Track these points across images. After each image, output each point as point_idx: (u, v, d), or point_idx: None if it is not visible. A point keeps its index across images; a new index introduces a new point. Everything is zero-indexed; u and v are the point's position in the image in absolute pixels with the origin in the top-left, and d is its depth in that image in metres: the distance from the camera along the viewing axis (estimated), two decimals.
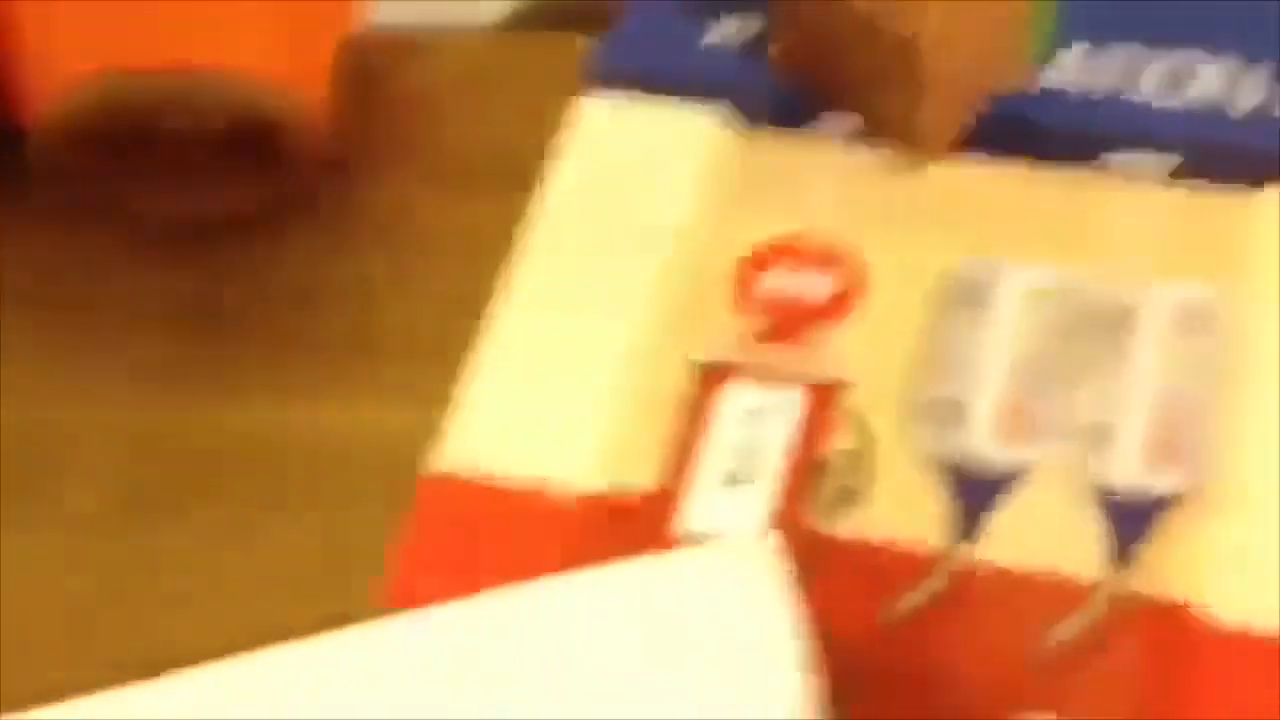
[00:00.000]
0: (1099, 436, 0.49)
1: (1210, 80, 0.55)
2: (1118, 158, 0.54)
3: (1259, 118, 0.54)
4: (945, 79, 0.53)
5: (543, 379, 0.53)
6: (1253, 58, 0.56)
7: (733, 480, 0.50)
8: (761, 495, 0.49)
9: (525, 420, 0.52)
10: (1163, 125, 0.54)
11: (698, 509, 0.49)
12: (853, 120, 0.56)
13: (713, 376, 0.52)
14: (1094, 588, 0.46)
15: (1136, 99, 0.55)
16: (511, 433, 0.52)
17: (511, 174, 0.57)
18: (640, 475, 0.50)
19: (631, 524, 0.49)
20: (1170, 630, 0.45)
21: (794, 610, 0.44)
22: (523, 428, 0.52)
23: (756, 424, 0.51)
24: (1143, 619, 0.46)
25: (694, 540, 0.48)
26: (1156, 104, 0.55)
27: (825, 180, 0.55)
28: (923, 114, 0.54)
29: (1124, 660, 0.45)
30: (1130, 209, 0.53)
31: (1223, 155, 0.53)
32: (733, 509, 0.49)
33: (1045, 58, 0.57)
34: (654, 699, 0.42)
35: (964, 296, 0.52)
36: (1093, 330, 0.51)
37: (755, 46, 0.58)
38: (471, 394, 0.53)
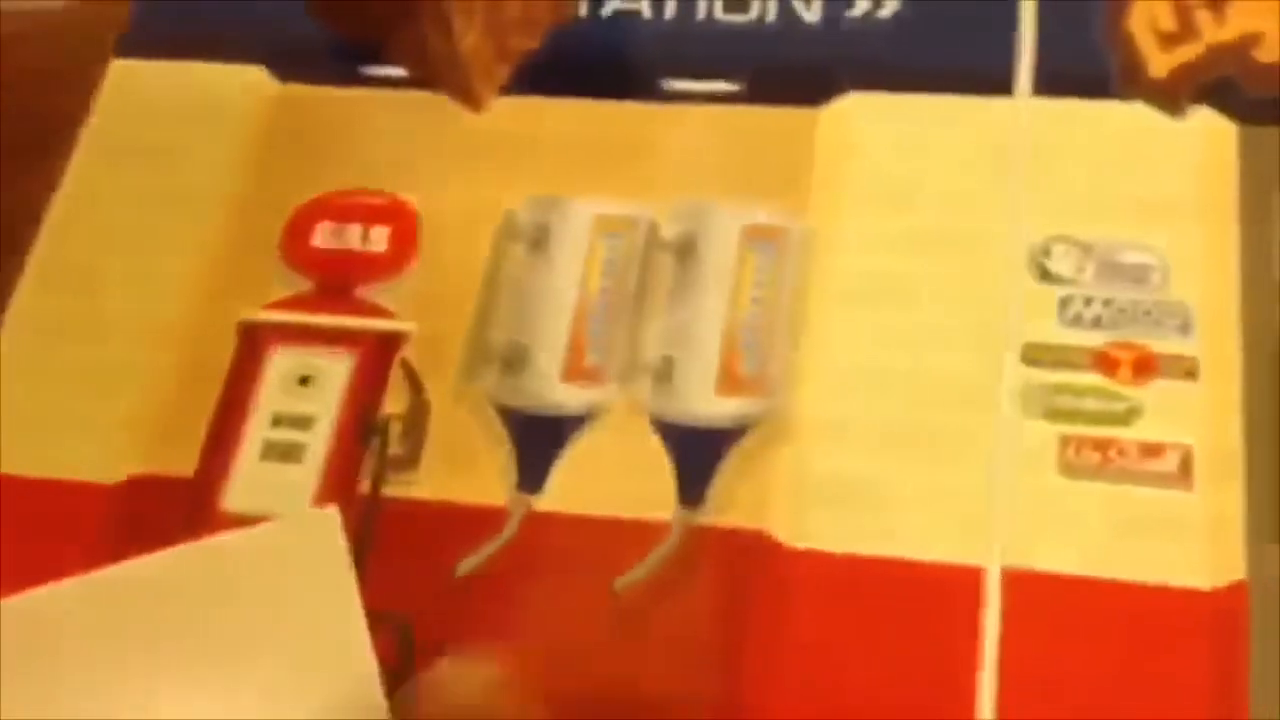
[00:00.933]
0: (665, 372, 0.46)
1: None
2: (680, 84, 0.52)
3: (820, 32, 0.53)
4: (480, 15, 0.50)
5: (72, 364, 0.48)
6: None
7: (278, 453, 0.46)
8: (312, 467, 0.46)
9: (54, 409, 0.47)
10: (724, 47, 0.52)
11: (244, 486, 0.45)
12: (400, 66, 0.53)
13: (259, 344, 0.48)
14: (668, 525, 0.44)
15: (698, 20, 0.53)
16: (39, 423, 0.47)
17: (43, 145, 0.53)
18: (183, 454, 0.46)
19: (175, 507, 0.45)
20: (743, 557, 0.43)
21: (353, 583, 0.42)
22: (52, 417, 0.47)
23: (305, 389, 0.47)
24: (716, 549, 0.43)
25: (241, 519, 0.44)
26: (717, 25, 0.53)
27: (375, 131, 0.52)
28: (463, 53, 0.51)
29: (702, 591, 0.43)
30: (692, 136, 0.51)
31: (786, 73, 0.52)
32: (282, 483, 0.45)
33: None
34: (224, 683, 0.41)
35: (526, 238, 0.49)
36: (658, 263, 0.48)
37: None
38: None
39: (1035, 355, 0.45)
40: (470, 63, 0.50)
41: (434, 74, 0.51)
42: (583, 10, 0.53)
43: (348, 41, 0.53)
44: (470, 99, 0.51)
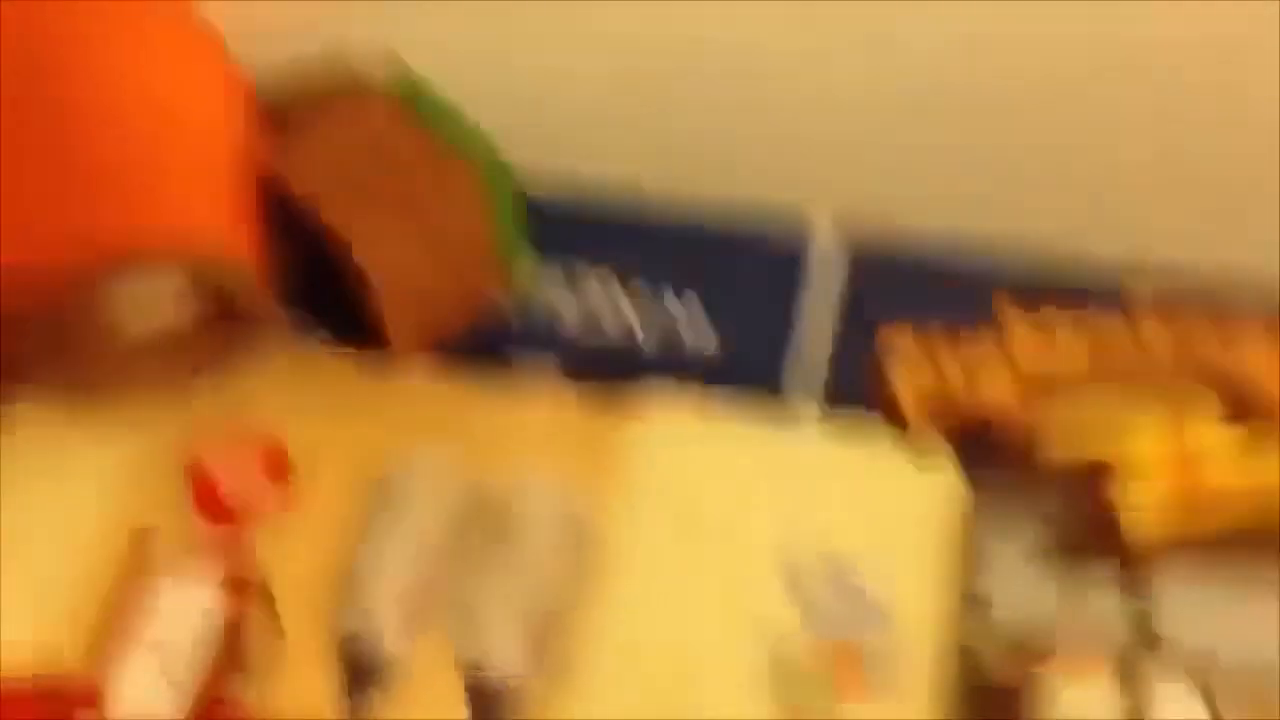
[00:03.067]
0: (480, 630, 0.56)
1: (602, 293, 0.64)
2: (524, 363, 0.63)
3: (642, 337, 0.63)
4: (400, 292, 0.59)
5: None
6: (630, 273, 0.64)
7: (158, 669, 0.55)
8: (184, 682, 0.55)
9: None
10: (561, 333, 0.63)
11: (125, 695, 0.55)
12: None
13: (145, 570, 0.57)
14: None
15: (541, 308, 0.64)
16: None
17: None
18: (68, 661, 0.55)
19: (58, 711, 0.54)
20: None
21: None
22: None
23: (182, 617, 0.56)
24: None
25: None
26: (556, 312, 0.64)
27: (277, 383, 0.62)
28: (386, 323, 0.60)
29: None
30: (527, 415, 0.61)
31: (607, 365, 0.62)
32: (157, 695, 0.54)
33: (517, 277, 0.64)
34: None
35: (382, 497, 0.59)
36: (484, 523, 0.59)
37: None
38: None
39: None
40: (395, 337, 0.60)
41: (359, 331, 0.61)
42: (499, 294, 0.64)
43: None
44: (390, 359, 0.62)
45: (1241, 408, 0.58)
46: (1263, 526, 0.56)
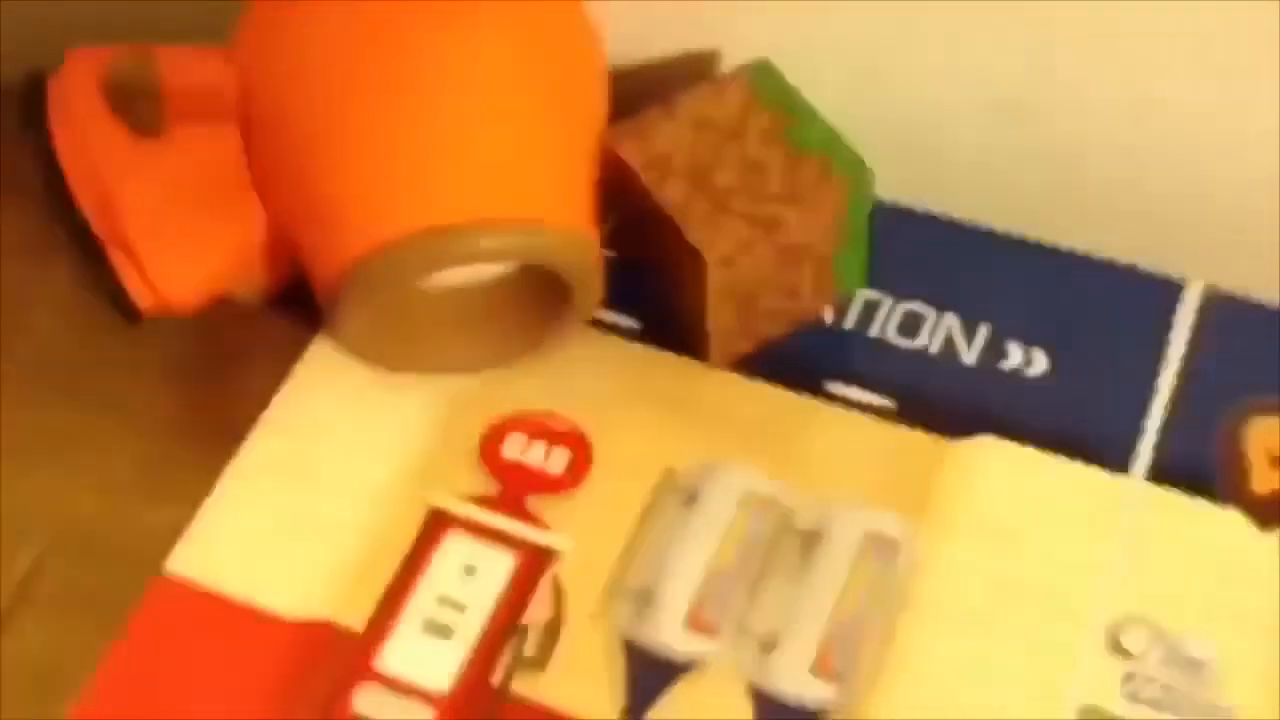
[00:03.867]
0: (770, 642, 0.54)
1: (939, 331, 0.61)
2: (841, 388, 0.59)
3: (975, 373, 0.60)
4: (732, 295, 0.58)
5: (285, 504, 0.57)
6: (977, 316, 0.62)
7: (435, 629, 0.54)
8: (458, 648, 0.54)
9: (260, 541, 0.56)
10: (888, 366, 0.60)
11: (398, 651, 0.54)
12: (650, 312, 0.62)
13: (438, 528, 0.56)
14: None
15: (870, 336, 0.61)
16: (246, 551, 0.56)
17: None
18: (356, 610, 0.54)
19: (337, 656, 0.53)
20: None
21: None
22: (256, 548, 0.56)
23: (469, 578, 0.55)
24: None
25: (388, 680, 0.53)
26: (885, 344, 0.61)
27: (585, 367, 0.60)
28: (709, 322, 0.59)
29: None
30: (842, 438, 0.58)
31: (934, 402, 0.59)
32: (429, 656, 0.53)
33: (848, 298, 0.62)
34: None
35: (680, 494, 0.57)
36: (787, 543, 0.56)
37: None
38: (218, 504, 0.57)
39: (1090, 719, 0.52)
40: (715, 337, 0.59)
41: (683, 331, 0.60)
42: (824, 314, 0.62)
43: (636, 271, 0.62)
44: (703, 358, 0.60)
45: None
46: None
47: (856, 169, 0.58)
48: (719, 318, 0.59)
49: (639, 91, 0.65)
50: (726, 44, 0.66)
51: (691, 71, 0.68)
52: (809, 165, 0.58)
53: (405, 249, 0.53)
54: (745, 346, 0.61)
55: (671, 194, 0.57)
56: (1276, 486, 0.56)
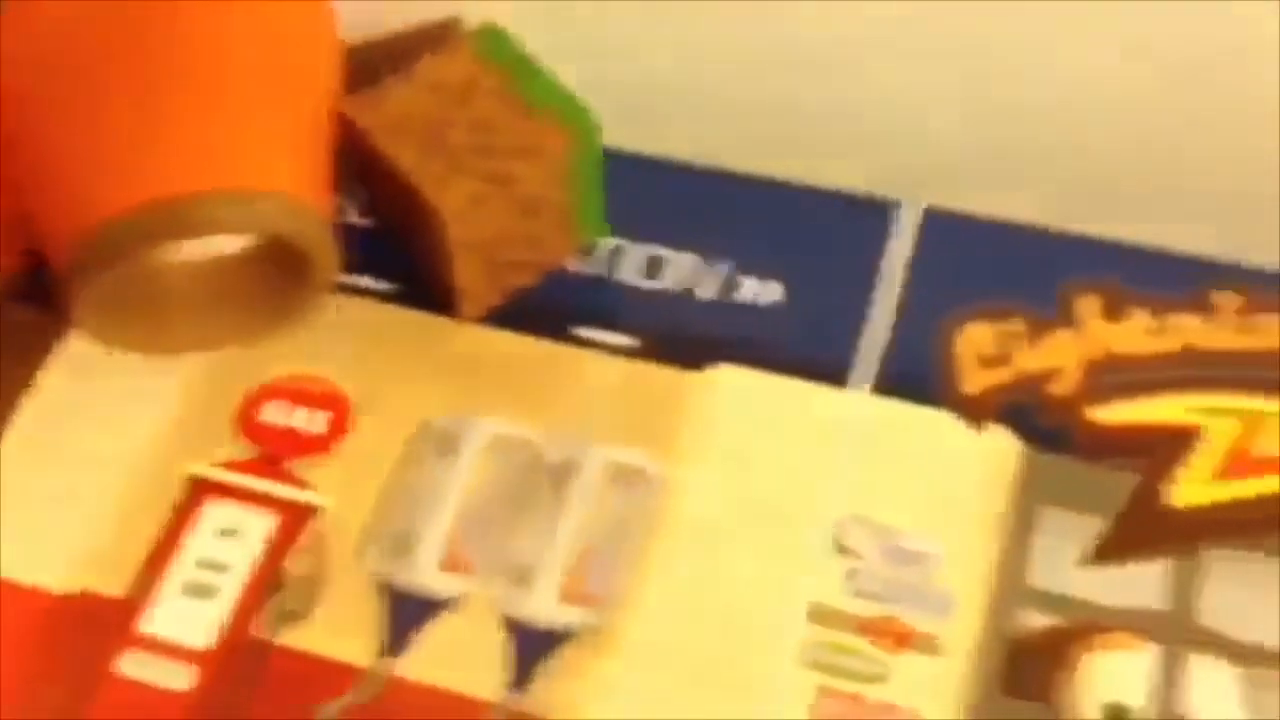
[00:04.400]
0: (523, 576, 0.56)
1: (680, 270, 0.64)
2: (588, 332, 0.62)
3: (712, 307, 0.63)
4: (474, 249, 0.61)
5: (43, 485, 0.58)
6: (715, 254, 0.64)
7: (196, 590, 0.56)
8: (220, 606, 0.55)
9: (18, 521, 0.57)
10: (632, 307, 0.63)
11: (159, 614, 0.55)
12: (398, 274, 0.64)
13: (197, 495, 0.58)
14: (490, 706, 0.53)
15: (614, 280, 0.64)
16: (5, 532, 0.57)
17: None
18: (118, 579, 0.56)
19: (97, 625, 0.55)
20: None
21: None
22: (14, 529, 0.57)
23: (229, 540, 0.57)
24: None
25: (154, 643, 0.54)
26: (629, 287, 0.63)
27: (341, 332, 0.62)
28: (455, 278, 0.61)
29: None
30: (591, 379, 0.61)
31: (676, 338, 0.62)
32: (191, 617, 0.55)
33: (589, 243, 0.65)
34: None
35: (436, 444, 0.59)
36: (537, 481, 0.58)
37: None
38: None
39: (819, 615, 0.54)
40: (463, 292, 0.61)
41: (433, 289, 0.62)
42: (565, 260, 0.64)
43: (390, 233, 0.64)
44: (454, 314, 0.62)
45: None
46: None
47: (583, 120, 0.60)
48: (465, 273, 0.61)
49: (384, 61, 0.67)
50: (467, 11, 0.68)
51: (435, 40, 0.70)
52: (538, 120, 0.60)
53: (123, 222, 0.54)
54: (494, 299, 0.63)
55: (407, 157, 0.59)
56: (986, 386, 0.59)
